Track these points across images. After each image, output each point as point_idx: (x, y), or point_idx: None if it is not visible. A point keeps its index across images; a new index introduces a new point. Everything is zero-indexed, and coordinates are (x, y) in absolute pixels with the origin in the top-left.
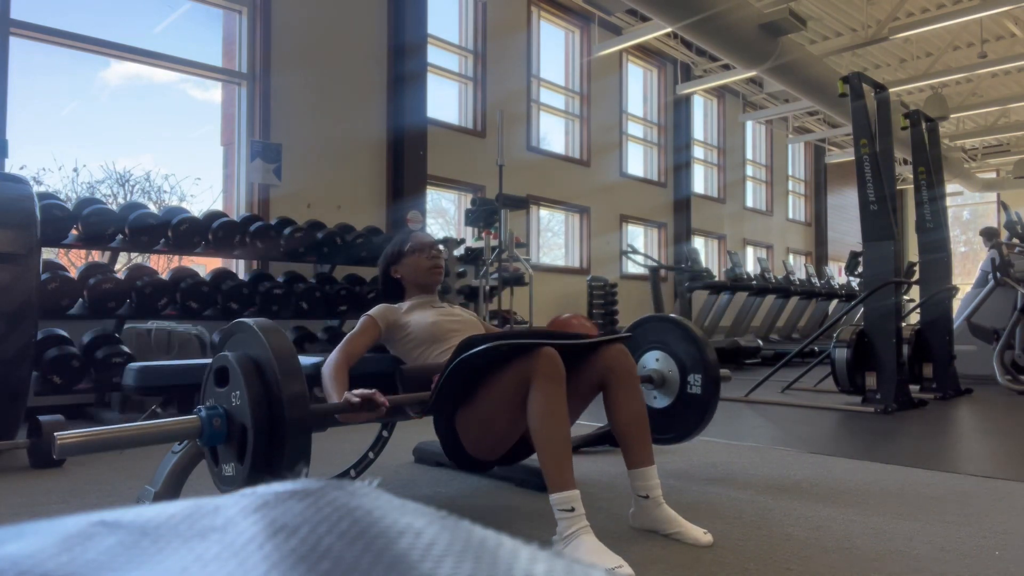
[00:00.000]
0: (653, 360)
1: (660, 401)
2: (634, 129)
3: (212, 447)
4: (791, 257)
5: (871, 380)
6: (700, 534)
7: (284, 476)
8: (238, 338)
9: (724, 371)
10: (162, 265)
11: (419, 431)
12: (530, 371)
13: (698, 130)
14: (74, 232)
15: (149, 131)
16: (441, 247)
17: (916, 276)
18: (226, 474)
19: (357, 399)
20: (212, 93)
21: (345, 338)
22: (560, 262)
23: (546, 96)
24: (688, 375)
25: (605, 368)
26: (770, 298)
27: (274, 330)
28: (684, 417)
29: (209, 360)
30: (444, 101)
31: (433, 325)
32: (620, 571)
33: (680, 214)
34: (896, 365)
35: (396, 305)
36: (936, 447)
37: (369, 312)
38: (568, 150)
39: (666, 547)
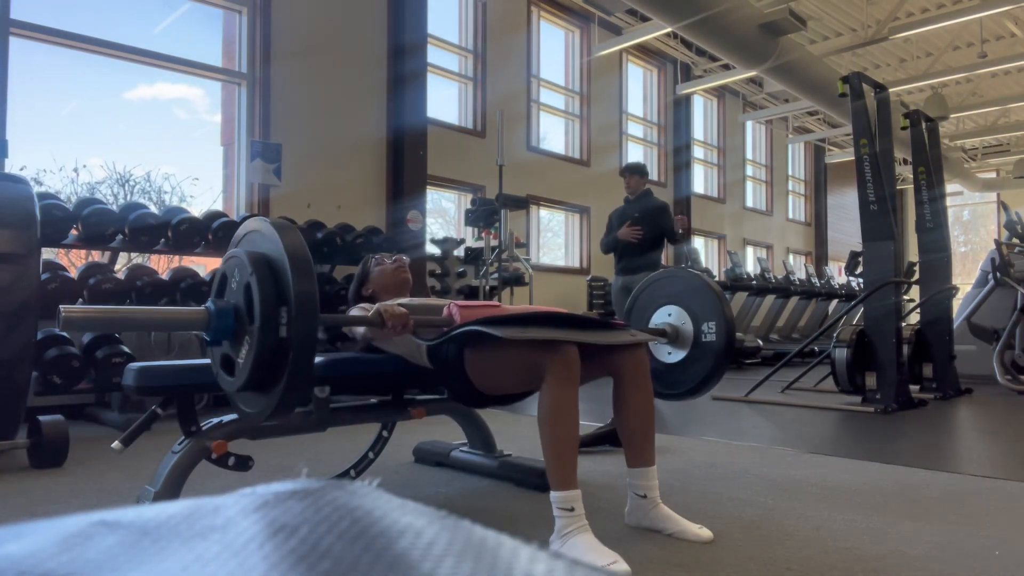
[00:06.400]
0: (666, 315)
1: (674, 356)
2: (634, 129)
3: (217, 343)
4: (791, 257)
5: (871, 380)
6: (697, 530)
7: (289, 382)
8: (250, 238)
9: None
10: (162, 265)
11: (419, 431)
12: (547, 366)
13: (698, 130)
14: (74, 232)
15: (149, 132)
16: (403, 256)
17: (916, 276)
18: (230, 375)
19: (388, 314)
20: (216, 117)
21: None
22: (560, 262)
23: (546, 96)
24: (702, 324)
25: (622, 364)
26: (770, 298)
27: (288, 229)
28: (698, 368)
29: (208, 360)
30: (444, 101)
31: (402, 299)
32: (615, 567)
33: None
34: (896, 365)
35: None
36: (936, 447)
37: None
38: (568, 150)
39: (665, 547)
